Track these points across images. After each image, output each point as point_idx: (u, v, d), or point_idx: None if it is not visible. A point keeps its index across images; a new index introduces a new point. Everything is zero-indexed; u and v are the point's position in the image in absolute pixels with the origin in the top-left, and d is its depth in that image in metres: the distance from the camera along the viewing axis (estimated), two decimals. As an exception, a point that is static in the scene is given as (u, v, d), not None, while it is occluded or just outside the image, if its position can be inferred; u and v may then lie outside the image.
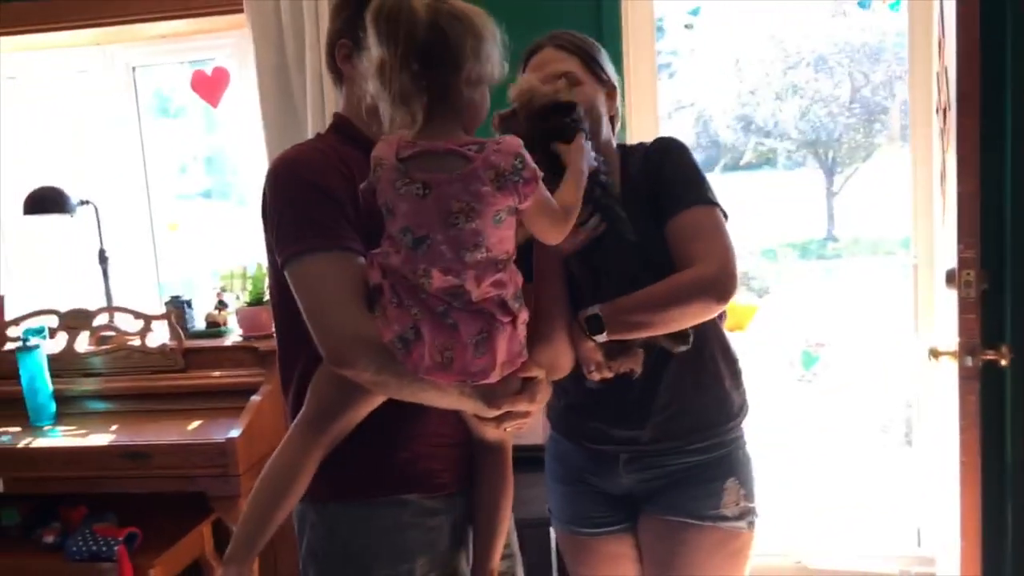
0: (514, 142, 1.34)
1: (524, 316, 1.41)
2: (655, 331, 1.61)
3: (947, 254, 2.24)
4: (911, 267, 2.84)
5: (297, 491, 1.48)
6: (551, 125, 1.54)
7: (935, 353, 2.20)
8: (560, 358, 1.58)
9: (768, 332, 5.84)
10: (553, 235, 1.44)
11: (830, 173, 7.38)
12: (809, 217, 7.61)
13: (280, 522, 1.50)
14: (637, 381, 1.67)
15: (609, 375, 1.65)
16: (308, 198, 1.42)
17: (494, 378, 1.39)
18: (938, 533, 2.70)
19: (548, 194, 1.40)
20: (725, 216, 1.69)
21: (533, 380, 1.48)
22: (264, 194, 1.49)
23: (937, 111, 2.48)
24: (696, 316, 1.61)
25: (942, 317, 2.44)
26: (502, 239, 1.35)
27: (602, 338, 1.58)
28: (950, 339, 2.17)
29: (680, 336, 1.63)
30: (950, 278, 2.09)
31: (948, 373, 2.22)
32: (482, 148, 1.33)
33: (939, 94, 2.41)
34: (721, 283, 1.59)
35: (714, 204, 1.67)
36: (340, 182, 1.44)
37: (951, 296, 2.14)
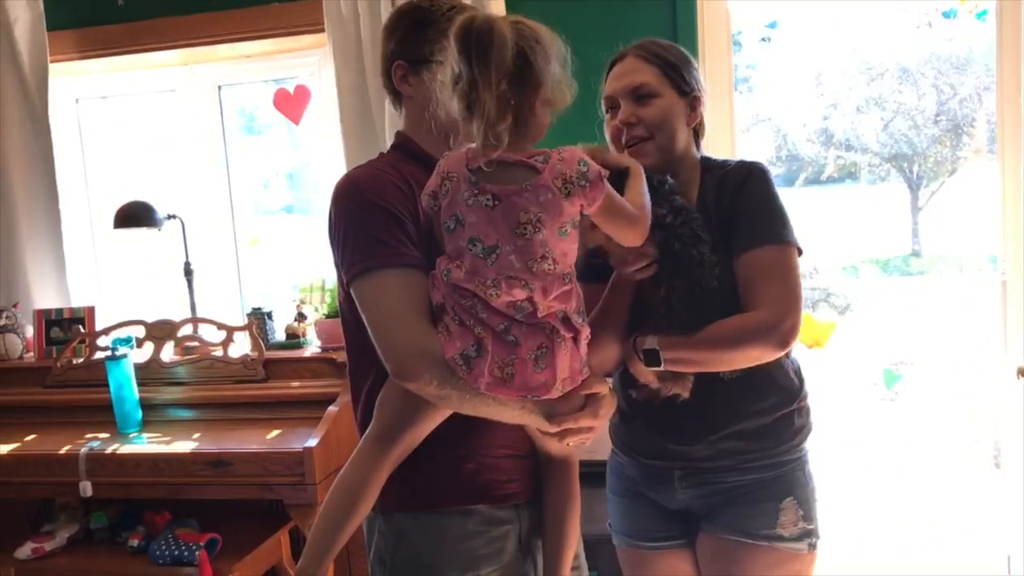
0: (576, 150, 1.37)
1: (586, 333, 1.43)
2: (710, 369, 1.64)
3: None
4: (999, 284, 2.75)
5: (366, 504, 1.52)
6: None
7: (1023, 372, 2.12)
8: (605, 363, 1.63)
9: (849, 350, 5.69)
10: (632, 235, 1.48)
11: (915, 188, 7.17)
12: (892, 233, 7.41)
13: (350, 534, 1.54)
14: (692, 398, 1.67)
15: (655, 387, 1.67)
16: (371, 217, 1.45)
17: (555, 394, 1.40)
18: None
19: (617, 194, 1.42)
20: (800, 252, 1.67)
21: (596, 396, 1.48)
22: (330, 214, 1.53)
23: (1027, 123, 2.40)
24: (754, 360, 1.62)
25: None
26: (566, 252, 1.38)
27: (656, 369, 1.62)
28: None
29: (683, 384, 1.66)
30: (1039, 295, 2.02)
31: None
32: (547, 159, 1.35)
33: (1028, 105, 2.33)
34: (783, 330, 1.59)
35: (787, 242, 1.64)
36: (402, 200, 1.48)
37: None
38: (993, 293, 2.82)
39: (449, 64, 1.36)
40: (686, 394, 1.66)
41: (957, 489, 4.49)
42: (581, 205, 1.37)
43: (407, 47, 1.57)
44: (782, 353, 1.63)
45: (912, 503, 4.35)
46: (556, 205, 1.34)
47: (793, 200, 1.69)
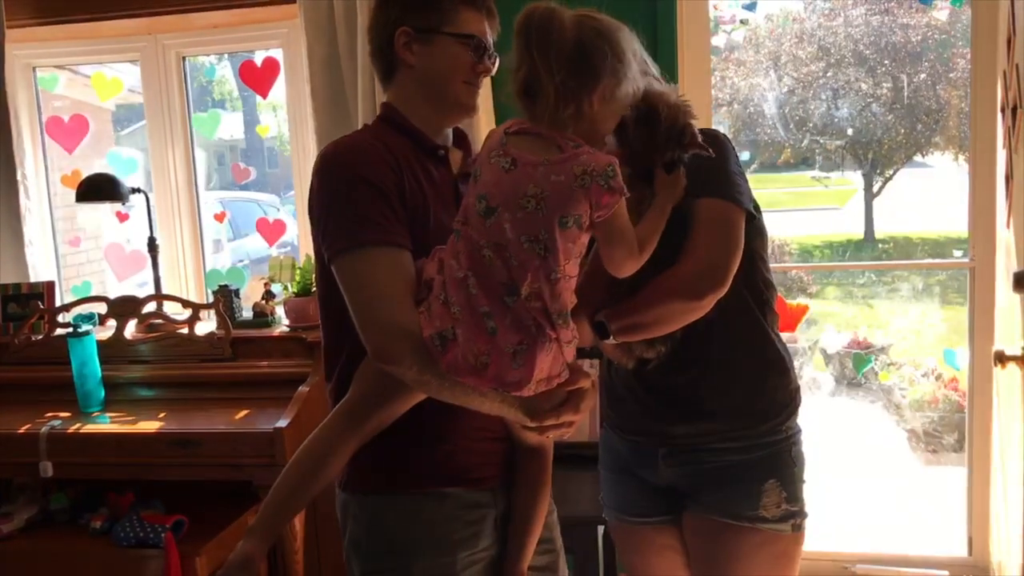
0: (613, 158, 1.33)
1: (567, 336, 1.37)
2: (653, 332, 1.58)
3: (1013, 257, 2.19)
4: (968, 270, 2.78)
5: (326, 477, 1.49)
6: (667, 147, 1.51)
7: (1001, 358, 2.14)
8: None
9: (814, 333, 5.77)
10: (623, 266, 1.42)
11: (869, 174, 7.31)
12: (848, 218, 7.56)
13: (305, 505, 1.54)
14: (674, 376, 1.66)
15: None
16: (357, 192, 1.41)
17: (527, 392, 1.36)
18: (996, 543, 2.65)
19: (628, 220, 1.38)
20: (753, 218, 1.62)
21: (579, 390, 1.45)
22: (312, 186, 1.48)
23: (1003, 110, 2.42)
24: (678, 316, 1.56)
25: (1007, 321, 2.38)
26: (564, 250, 1.32)
27: (612, 341, 1.58)
28: (1017, 344, 2.12)
29: (651, 342, 1.61)
30: (1019, 282, 2.03)
31: (1013, 378, 2.18)
32: (579, 147, 1.33)
33: (1007, 92, 2.35)
34: (698, 281, 1.52)
35: (730, 200, 1.58)
36: (388, 174, 1.43)
37: (1018, 300, 2.09)
38: (958, 278, 2.85)
39: (512, 54, 1.35)
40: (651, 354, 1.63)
41: (921, 472, 4.59)
42: (590, 205, 1.31)
43: (415, 14, 1.51)
44: (703, 307, 1.53)
45: (878, 486, 4.43)
46: (565, 190, 1.30)
47: (743, 186, 1.65)
